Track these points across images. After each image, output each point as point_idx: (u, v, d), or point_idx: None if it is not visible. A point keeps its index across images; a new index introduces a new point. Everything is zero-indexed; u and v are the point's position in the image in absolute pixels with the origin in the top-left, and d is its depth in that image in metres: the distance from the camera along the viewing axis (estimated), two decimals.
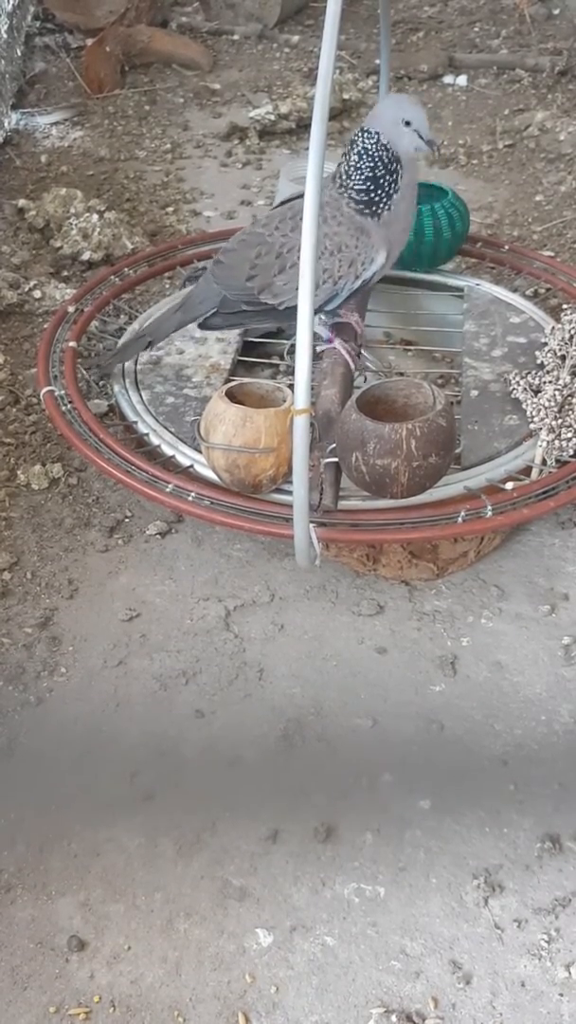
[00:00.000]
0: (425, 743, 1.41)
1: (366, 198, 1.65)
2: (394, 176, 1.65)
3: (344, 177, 1.66)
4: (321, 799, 1.34)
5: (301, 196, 1.72)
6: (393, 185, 1.65)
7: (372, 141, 1.64)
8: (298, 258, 1.62)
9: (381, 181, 1.64)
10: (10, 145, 2.89)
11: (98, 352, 2.00)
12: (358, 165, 1.65)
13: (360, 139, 1.65)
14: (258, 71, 3.40)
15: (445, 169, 2.82)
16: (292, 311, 1.35)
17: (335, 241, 1.65)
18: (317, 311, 1.69)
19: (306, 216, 1.30)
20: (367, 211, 1.65)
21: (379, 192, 1.65)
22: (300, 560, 1.48)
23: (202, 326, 1.78)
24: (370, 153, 1.64)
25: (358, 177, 1.65)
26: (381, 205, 1.65)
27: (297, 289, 1.31)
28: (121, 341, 1.93)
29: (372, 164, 1.64)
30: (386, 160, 1.64)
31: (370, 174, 1.64)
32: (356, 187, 1.65)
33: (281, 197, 2.25)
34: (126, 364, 1.87)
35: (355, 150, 1.65)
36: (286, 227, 1.69)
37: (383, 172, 1.64)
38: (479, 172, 2.81)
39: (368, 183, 1.65)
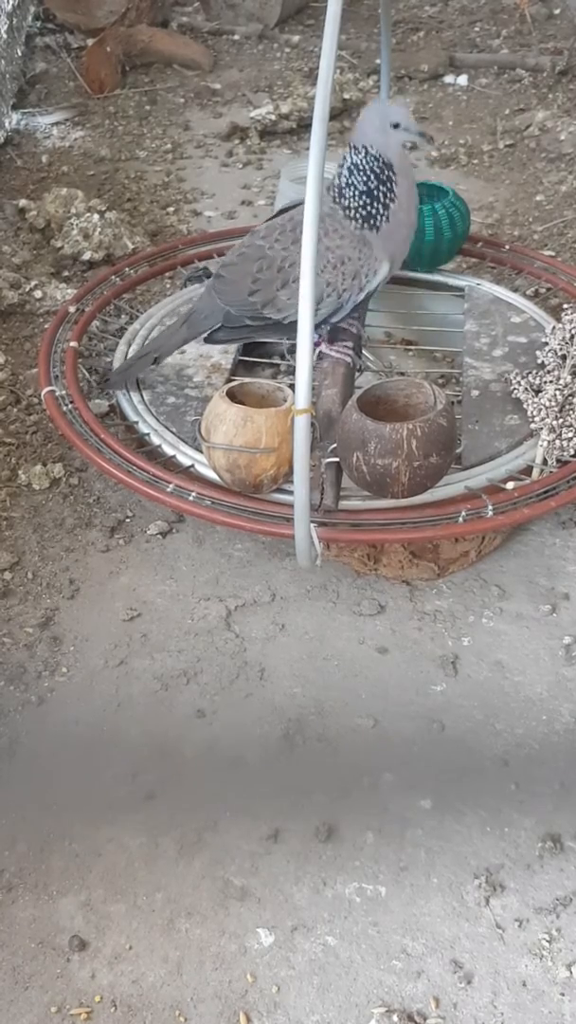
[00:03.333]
0: (426, 743, 1.41)
1: (364, 213, 1.63)
2: (388, 185, 1.63)
3: (338, 195, 1.64)
4: (322, 799, 1.34)
5: (298, 204, 1.72)
6: (389, 195, 1.63)
7: (361, 156, 1.63)
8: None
9: (376, 193, 1.63)
10: (11, 145, 2.89)
11: (99, 352, 2.00)
12: (350, 181, 1.63)
13: (349, 156, 1.64)
14: (259, 71, 3.40)
15: (446, 169, 2.82)
16: (296, 324, 1.34)
17: (337, 254, 1.64)
18: (322, 323, 1.68)
19: (307, 213, 1.29)
20: (365, 225, 1.64)
21: (375, 205, 1.63)
22: (301, 560, 1.48)
23: (207, 340, 1.77)
24: (361, 167, 1.63)
25: (352, 194, 1.63)
26: (379, 218, 1.64)
27: None
28: (118, 349, 1.92)
29: (365, 178, 1.62)
30: (378, 170, 1.62)
31: (364, 188, 1.62)
32: (352, 204, 1.63)
33: (282, 197, 2.25)
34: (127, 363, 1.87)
35: (346, 166, 1.64)
36: (286, 240, 1.67)
37: (376, 183, 1.63)
38: (480, 172, 2.81)
39: (363, 197, 1.63)
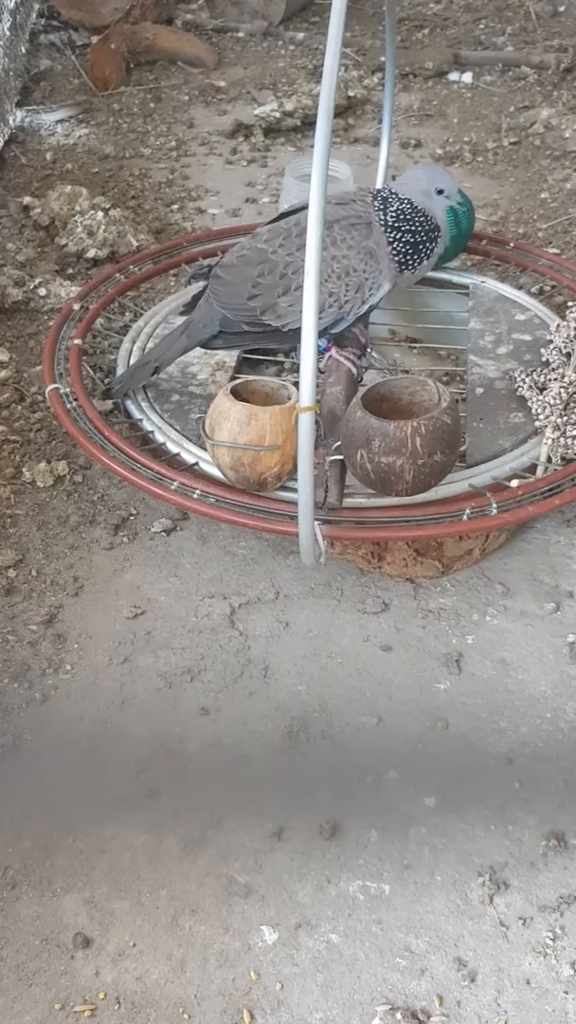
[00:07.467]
0: (430, 741, 1.41)
1: (402, 257, 1.67)
2: (433, 244, 1.69)
3: (387, 225, 1.66)
4: (326, 796, 1.34)
5: (305, 207, 1.71)
6: (427, 252, 1.69)
7: (407, 207, 1.67)
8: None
9: (420, 248, 1.68)
10: (15, 143, 2.89)
11: (103, 349, 2.00)
12: (397, 226, 1.66)
13: (396, 199, 1.67)
14: (263, 68, 3.39)
15: (450, 166, 2.82)
16: (297, 333, 1.33)
17: (343, 264, 1.63)
18: (321, 334, 1.67)
19: (311, 208, 1.29)
20: (396, 265, 1.67)
21: (415, 256, 1.68)
22: (305, 558, 1.48)
23: (204, 346, 1.76)
24: (407, 216, 1.66)
25: (398, 237, 1.66)
26: (411, 266, 1.68)
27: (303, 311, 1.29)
28: (122, 347, 1.92)
29: (413, 229, 1.67)
30: (428, 228, 1.68)
31: (411, 239, 1.67)
32: (397, 241, 1.66)
33: (286, 194, 2.25)
34: (130, 362, 1.87)
35: (391, 209, 1.67)
36: (291, 245, 1.65)
37: (424, 239, 1.68)
38: (484, 169, 2.81)
39: (407, 247, 1.67)
